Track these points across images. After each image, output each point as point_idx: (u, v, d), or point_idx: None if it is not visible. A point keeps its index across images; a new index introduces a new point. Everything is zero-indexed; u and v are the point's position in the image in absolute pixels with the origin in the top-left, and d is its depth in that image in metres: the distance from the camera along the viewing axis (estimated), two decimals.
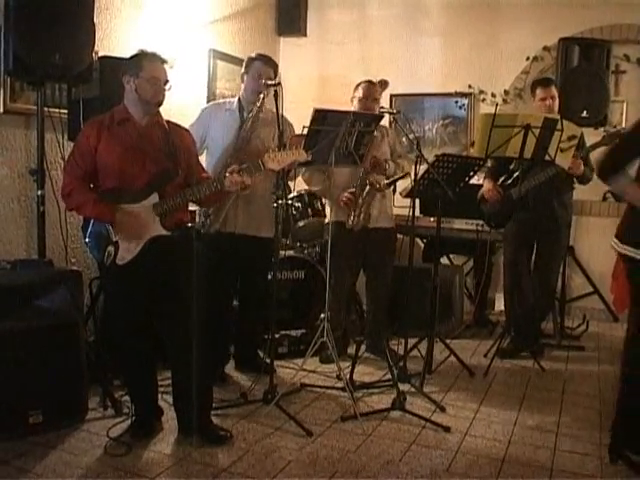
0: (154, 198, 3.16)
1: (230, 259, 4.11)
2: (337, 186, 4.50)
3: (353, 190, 4.46)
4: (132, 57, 3.23)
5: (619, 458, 3.12)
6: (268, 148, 3.80)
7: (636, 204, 2.99)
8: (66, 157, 3.38)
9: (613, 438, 3.19)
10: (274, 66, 4.19)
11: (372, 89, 4.55)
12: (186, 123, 4.28)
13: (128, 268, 3.18)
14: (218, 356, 4.22)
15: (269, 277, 4.55)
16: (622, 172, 2.96)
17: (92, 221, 3.22)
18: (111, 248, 3.16)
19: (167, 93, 3.23)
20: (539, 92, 4.74)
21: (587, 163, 4.61)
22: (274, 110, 3.64)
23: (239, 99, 4.21)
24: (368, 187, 4.40)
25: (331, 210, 4.64)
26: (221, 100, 4.43)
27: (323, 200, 5.19)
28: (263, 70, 4.09)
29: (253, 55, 4.22)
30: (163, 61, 3.21)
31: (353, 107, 4.56)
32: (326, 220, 4.78)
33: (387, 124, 4.76)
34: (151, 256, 3.18)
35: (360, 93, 4.54)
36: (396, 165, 4.60)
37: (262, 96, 4.01)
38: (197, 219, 4.08)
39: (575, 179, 4.70)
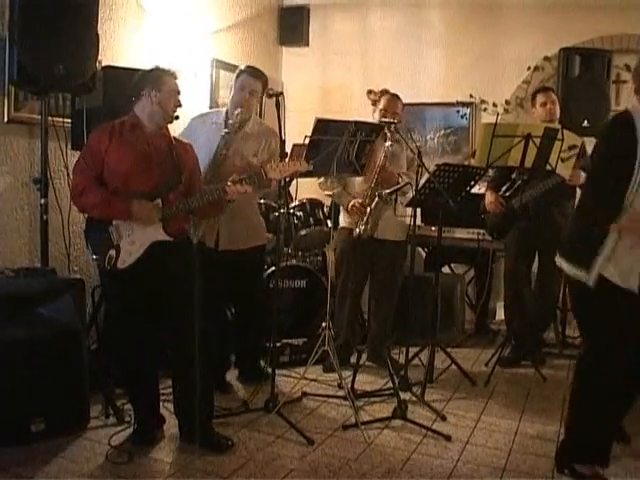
0: (157, 204, 3.20)
1: (218, 274, 4.00)
2: (350, 194, 4.56)
3: (362, 200, 4.46)
4: (151, 71, 3.32)
5: (566, 469, 3.09)
6: (248, 162, 3.84)
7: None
8: (69, 166, 3.41)
9: (561, 448, 3.18)
10: (261, 78, 4.08)
11: (392, 103, 4.56)
12: None
13: (129, 272, 3.20)
14: (217, 364, 4.21)
15: (270, 285, 4.56)
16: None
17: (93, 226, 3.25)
18: (112, 252, 3.19)
19: None
20: (539, 97, 4.78)
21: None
22: (261, 123, 3.61)
23: (226, 111, 4.13)
24: (377, 199, 4.41)
25: (343, 216, 4.69)
26: (209, 110, 4.27)
27: (325, 209, 5.21)
28: (247, 82, 4.03)
29: (242, 67, 4.16)
30: (177, 77, 3.34)
31: (375, 114, 4.59)
32: (339, 225, 4.79)
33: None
34: (152, 261, 3.21)
35: (382, 105, 4.56)
36: (411, 178, 4.50)
37: (239, 110, 3.97)
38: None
39: (578, 189, 4.71)
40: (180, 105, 3.31)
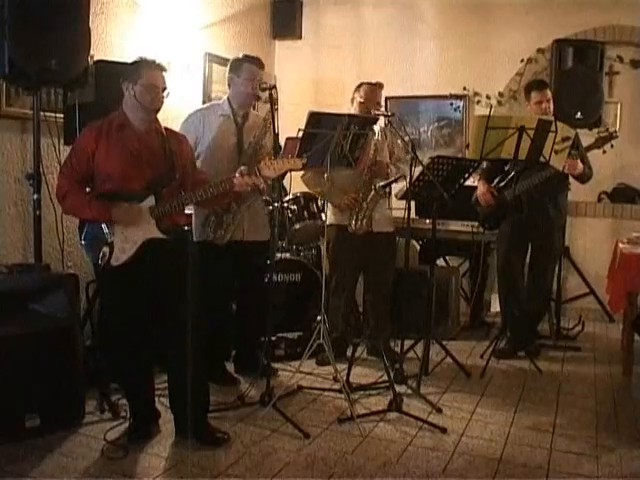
0: (150, 201, 3.18)
1: (222, 264, 4.05)
2: (338, 189, 4.48)
3: (355, 195, 4.43)
4: (132, 64, 3.26)
5: None
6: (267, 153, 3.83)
7: None
8: (62, 161, 3.39)
9: None
10: (263, 67, 4.05)
11: (374, 92, 4.51)
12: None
13: (123, 270, 3.19)
14: (217, 357, 4.21)
15: (266, 279, 4.56)
16: None
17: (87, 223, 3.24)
18: (106, 249, 3.17)
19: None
20: (534, 95, 4.69)
21: (585, 162, 4.62)
22: (256, 115, 3.61)
23: (229, 103, 4.07)
24: (372, 192, 4.39)
25: (332, 213, 4.63)
26: (208, 104, 4.17)
27: (319, 202, 5.19)
28: (257, 72, 3.98)
29: (240, 56, 4.07)
30: (162, 69, 3.24)
31: (353, 108, 4.52)
32: (326, 222, 4.75)
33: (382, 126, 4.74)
34: (146, 258, 3.19)
35: (362, 95, 4.50)
36: (397, 169, 4.56)
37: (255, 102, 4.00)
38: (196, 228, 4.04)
39: (576, 179, 4.70)
40: (160, 100, 3.22)
